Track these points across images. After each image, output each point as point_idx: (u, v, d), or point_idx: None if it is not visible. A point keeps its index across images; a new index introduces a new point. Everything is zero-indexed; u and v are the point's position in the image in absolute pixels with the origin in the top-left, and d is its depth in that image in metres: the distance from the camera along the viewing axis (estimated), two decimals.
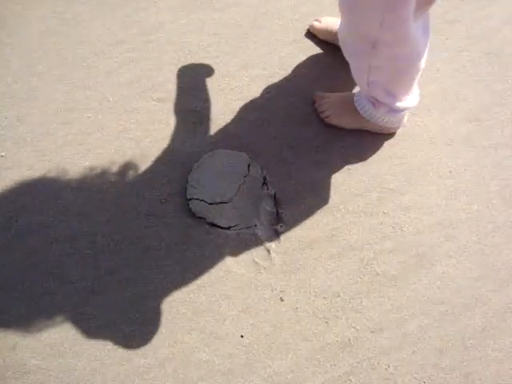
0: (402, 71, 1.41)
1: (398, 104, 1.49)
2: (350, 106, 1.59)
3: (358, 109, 1.57)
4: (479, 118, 1.67)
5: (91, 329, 1.36)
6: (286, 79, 1.73)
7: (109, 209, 1.50)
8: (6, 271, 1.43)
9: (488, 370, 1.35)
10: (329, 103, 1.63)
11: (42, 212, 1.50)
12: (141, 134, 1.61)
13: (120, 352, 1.34)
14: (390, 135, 1.63)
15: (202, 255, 1.44)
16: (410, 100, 1.52)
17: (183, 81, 1.71)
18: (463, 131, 1.65)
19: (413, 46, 1.31)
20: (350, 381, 1.32)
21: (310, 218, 1.50)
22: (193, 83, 1.71)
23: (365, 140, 1.62)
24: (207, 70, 1.74)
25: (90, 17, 1.82)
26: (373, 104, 1.52)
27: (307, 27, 1.80)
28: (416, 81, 1.47)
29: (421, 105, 1.64)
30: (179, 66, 1.73)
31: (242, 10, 1.86)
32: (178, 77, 1.71)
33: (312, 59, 1.76)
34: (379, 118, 1.55)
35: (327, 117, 1.63)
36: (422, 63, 1.39)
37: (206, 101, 1.68)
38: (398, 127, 1.62)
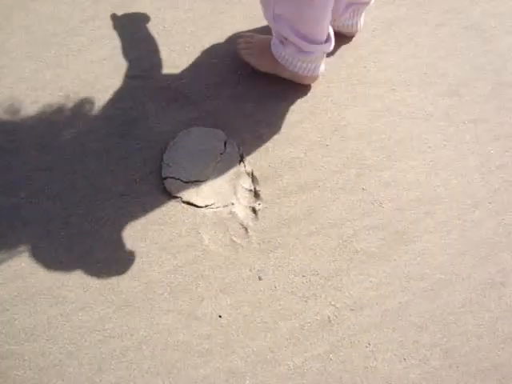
0: (304, 6, 1.38)
1: (307, 44, 1.47)
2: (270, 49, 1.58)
3: (272, 49, 1.56)
4: (459, 93, 1.65)
5: (66, 312, 1.33)
6: None
7: (82, 189, 1.47)
8: None
9: (468, 345, 1.34)
10: (252, 42, 1.62)
11: (14, 194, 1.46)
12: (114, 113, 1.57)
13: (96, 335, 1.31)
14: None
15: (178, 235, 1.41)
16: (321, 43, 1.50)
17: (157, 57, 1.67)
18: (442, 106, 1.63)
19: None
20: (331, 359, 1.31)
21: (288, 196, 1.48)
22: (166, 60, 1.67)
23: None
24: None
25: None
26: (281, 42, 1.51)
27: None
28: (326, 23, 1.44)
29: (399, 79, 1.62)
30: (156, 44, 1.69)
31: None
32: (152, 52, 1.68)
33: None
34: (288, 61, 1.53)
35: (248, 54, 1.62)
36: (327, 5, 1.38)
37: (180, 77, 1.64)
38: (313, 76, 1.59)
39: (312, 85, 1.63)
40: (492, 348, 1.34)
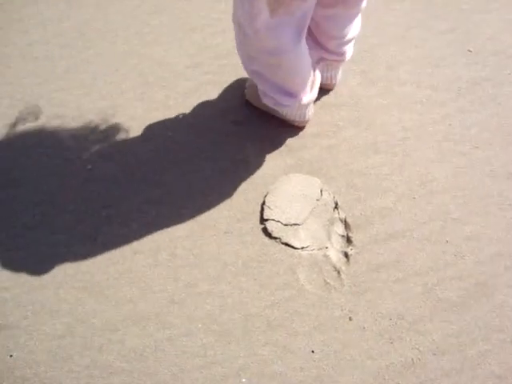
0: (274, 66, 1.48)
1: (282, 97, 1.59)
2: None
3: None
4: None
5: (171, 337, 1.46)
6: (356, 108, 1.83)
7: (188, 224, 1.60)
8: (93, 278, 1.53)
9: None
10: (254, 86, 1.75)
11: (126, 224, 1.61)
12: (219, 155, 1.72)
13: (198, 360, 1.43)
14: None
15: (276, 273, 1.53)
16: (296, 97, 1.61)
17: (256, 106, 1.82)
18: None
19: (274, 42, 1.39)
20: None
21: (378, 243, 1.58)
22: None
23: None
24: None
25: (169, 39, 1.94)
26: (263, 93, 1.64)
27: (375, 59, 1.90)
28: (300, 78, 1.55)
29: (483, 138, 1.72)
30: None
31: None
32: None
33: (380, 91, 1.86)
34: (272, 109, 1.70)
35: (249, 95, 1.80)
36: (297, 68, 1.50)
37: (278, 126, 1.78)
38: (302, 121, 1.73)
39: (404, 137, 1.76)
40: None
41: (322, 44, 1.69)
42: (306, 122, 1.75)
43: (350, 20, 1.61)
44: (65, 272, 1.54)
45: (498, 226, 1.62)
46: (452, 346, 1.46)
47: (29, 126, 1.81)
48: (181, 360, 1.43)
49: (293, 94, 1.60)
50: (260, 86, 1.60)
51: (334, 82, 1.82)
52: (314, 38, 1.70)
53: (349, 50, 1.73)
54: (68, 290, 1.52)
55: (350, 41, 1.69)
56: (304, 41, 1.47)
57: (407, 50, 1.98)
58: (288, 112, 1.68)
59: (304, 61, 1.52)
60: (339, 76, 1.83)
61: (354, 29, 1.67)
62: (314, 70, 1.64)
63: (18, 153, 1.76)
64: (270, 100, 1.63)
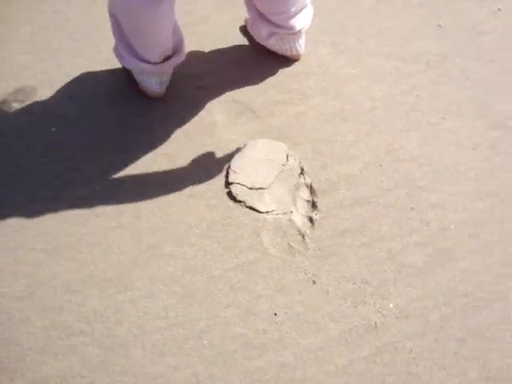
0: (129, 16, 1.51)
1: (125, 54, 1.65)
2: None
3: None
4: (505, 126, 1.76)
5: (133, 298, 1.44)
6: (324, 77, 1.83)
7: (154, 187, 1.59)
8: (54, 239, 1.51)
9: (505, 361, 1.42)
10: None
11: (89, 186, 1.59)
12: (185, 119, 1.71)
13: (160, 322, 1.41)
14: None
15: (240, 236, 1.52)
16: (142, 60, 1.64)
17: (224, 73, 1.80)
18: (490, 137, 1.73)
19: None
20: (375, 362, 1.40)
21: (343, 209, 1.58)
22: (234, 76, 1.81)
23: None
24: None
25: None
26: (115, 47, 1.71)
27: (345, 30, 1.91)
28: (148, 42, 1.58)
29: (450, 109, 1.73)
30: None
31: None
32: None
33: (350, 61, 1.87)
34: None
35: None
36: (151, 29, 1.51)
37: (248, 92, 1.78)
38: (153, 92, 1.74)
39: (372, 107, 1.78)
40: None
41: (268, 19, 1.70)
42: (157, 94, 1.75)
43: None
44: (25, 234, 1.51)
45: (463, 195, 1.63)
46: (415, 310, 1.46)
47: None
48: (142, 321, 1.41)
49: (137, 55, 1.61)
50: (114, 35, 1.62)
51: (295, 52, 1.81)
52: (259, 13, 1.71)
53: (299, 22, 1.71)
54: (28, 251, 1.49)
55: (296, 14, 1.68)
56: (166, 4, 1.45)
57: (378, 22, 1.98)
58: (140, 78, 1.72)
59: (158, 25, 1.51)
60: (302, 46, 1.82)
61: (298, 1, 1.66)
62: None
63: None
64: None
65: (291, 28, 1.70)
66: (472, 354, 1.42)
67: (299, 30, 1.73)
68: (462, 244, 1.56)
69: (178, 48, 1.66)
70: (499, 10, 2.02)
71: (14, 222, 1.53)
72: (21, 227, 1.52)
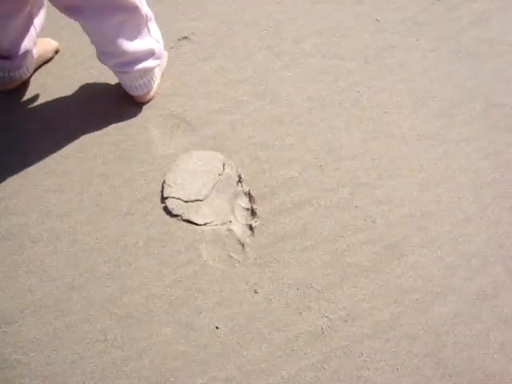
0: None
1: None
2: None
3: None
4: (450, 114, 1.72)
5: (71, 323, 1.40)
6: (260, 83, 1.79)
7: (89, 209, 1.55)
8: None
9: (460, 355, 1.37)
10: None
11: (25, 213, 1.56)
12: (120, 138, 1.67)
13: (98, 345, 1.37)
14: None
15: (178, 251, 1.48)
16: None
17: (160, 86, 1.77)
18: (434, 127, 1.70)
19: None
20: (324, 369, 1.35)
21: (284, 213, 1.54)
22: (169, 88, 1.78)
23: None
24: None
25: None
26: None
27: (281, 33, 1.88)
28: None
29: (392, 102, 1.70)
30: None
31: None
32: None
33: (286, 64, 1.84)
34: None
35: None
36: None
37: (183, 105, 1.74)
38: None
39: (310, 107, 1.74)
40: (484, 358, 1.37)
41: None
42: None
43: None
44: None
45: (408, 188, 1.59)
46: (363, 311, 1.42)
47: None
48: (80, 346, 1.37)
49: None
50: None
51: (131, 92, 1.72)
52: None
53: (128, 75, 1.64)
54: None
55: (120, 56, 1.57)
56: None
57: (314, 23, 1.95)
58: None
59: None
60: (141, 87, 1.70)
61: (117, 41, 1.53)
62: None
63: None
64: None
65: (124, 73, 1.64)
66: (426, 351, 1.37)
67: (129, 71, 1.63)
68: (410, 238, 1.51)
69: (14, 54, 1.64)
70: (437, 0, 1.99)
71: None
72: None
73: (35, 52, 1.74)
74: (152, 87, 1.70)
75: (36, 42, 1.68)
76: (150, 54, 1.60)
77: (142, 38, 1.55)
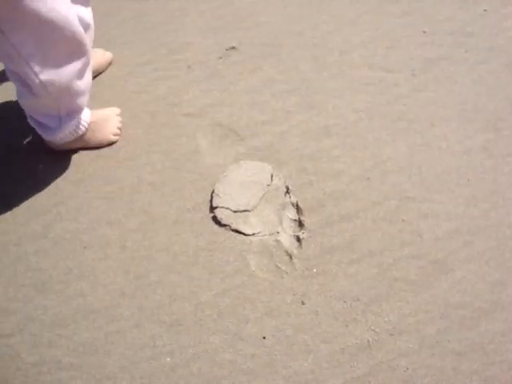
0: None
1: None
2: None
3: None
4: (497, 128, 1.71)
5: (121, 329, 1.43)
6: (307, 94, 1.80)
7: (139, 217, 1.59)
8: (43, 274, 1.52)
9: (508, 374, 1.36)
10: None
11: (76, 220, 1.60)
12: (169, 148, 1.71)
13: (148, 351, 1.40)
14: None
15: (226, 261, 1.51)
16: None
17: (208, 96, 1.80)
18: (481, 140, 1.69)
19: None
20: (369, 382, 1.35)
21: (331, 225, 1.55)
22: (218, 98, 1.80)
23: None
24: None
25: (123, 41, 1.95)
26: None
27: (327, 45, 1.89)
28: None
29: (438, 115, 1.69)
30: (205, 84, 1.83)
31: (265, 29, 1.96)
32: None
33: (333, 75, 1.85)
34: None
35: None
36: None
37: (231, 115, 1.77)
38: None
39: (356, 119, 1.75)
40: None
41: None
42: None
43: None
44: (15, 270, 1.53)
45: (455, 202, 1.58)
46: (409, 325, 1.41)
47: None
48: (130, 352, 1.40)
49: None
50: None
51: None
52: None
53: None
54: (18, 287, 1.50)
55: None
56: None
57: (360, 34, 1.97)
58: None
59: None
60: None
61: None
62: None
63: None
64: None
65: None
66: (472, 368, 1.36)
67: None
68: (457, 253, 1.51)
69: None
70: (485, 10, 1.98)
71: (4, 259, 1.55)
72: (11, 263, 1.54)
73: None
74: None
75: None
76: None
77: None
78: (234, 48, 1.93)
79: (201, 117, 1.77)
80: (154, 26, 2.05)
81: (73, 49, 1.41)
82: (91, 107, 1.74)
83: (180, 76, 1.88)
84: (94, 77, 1.88)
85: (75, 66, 1.46)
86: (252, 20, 2.03)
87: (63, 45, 1.37)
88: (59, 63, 1.40)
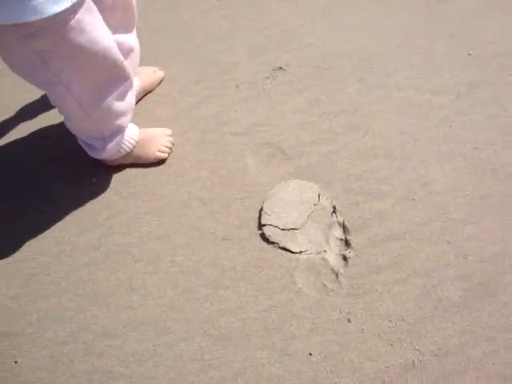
0: None
1: None
2: None
3: None
4: None
5: (169, 342, 1.47)
6: (354, 115, 1.84)
7: (188, 232, 1.63)
8: (95, 285, 1.57)
9: None
10: None
11: (127, 233, 1.65)
12: (218, 165, 1.75)
13: (196, 364, 1.43)
14: None
15: (274, 277, 1.54)
16: None
17: (256, 115, 1.84)
18: None
19: None
20: None
21: (377, 245, 1.58)
22: (265, 118, 1.85)
23: None
24: None
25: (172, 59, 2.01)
26: None
27: (374, 67, 1.93)
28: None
29: (483, 138, 1.72)
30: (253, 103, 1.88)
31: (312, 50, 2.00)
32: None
33: (379, 97, 1.88)
34: None
35: None
36: None
37: (279, 134, 1.81)
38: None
39: (403, 141, 1.78)
40: None
41: None
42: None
43: None
44: (68, 281, 1.58)
45: (500, 226, 1.60)
46: (454, 346, 1.43)
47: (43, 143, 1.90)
48: (178, 364, 1.44)
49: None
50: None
51: None
52: None
53: None
54: (71, 297, 1.55)
55: None
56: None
57: (406, 57, 2.00)
58: None
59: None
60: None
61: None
62: None
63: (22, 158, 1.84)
64: None
65: None
66: None
67: None
68: (502, 276, 1.52)
69: None
70: None
71: (59, 270, 1.60)
72: (65, 274, 1.59)
73: (139, 86, 1.85)
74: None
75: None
76: None
77: None
78: (281, 68, 1.98)
79: (248, 135, 1.81)
80: (202, 45, 2.11)
81: (113, 75, 1.47)
82: (141, 124, 1.80)
83: (228, 95, 1.93)
84: (145, 94, 1.95)
85: (116, 90, 1.51)
86: (299, 41, 2.07)
87: (104, 72, 1.43)
88: (99, 89, 1.46)
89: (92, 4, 1.25)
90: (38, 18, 1.10)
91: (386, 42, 2.06)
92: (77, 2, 1.15)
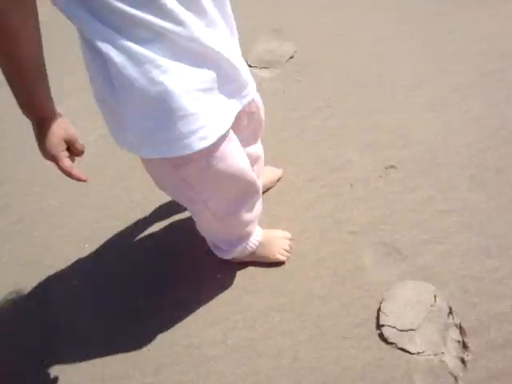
0: None
1: None
2: None
3: None
4: None
5: None
6: (465, 213, 1.90)
7: (310, 330, 1.73)
8: (222, 377, 1.69)
9: None
10: None
11: (253, 329, 1.77)
12: (336, 263, 1.86)
13: None
14: None
15: (392, 377, 1.59)
16: None
17: (371, 214, 1.94)
18: None
19: None
20: None
21: (496, 349, 1.59)
22: (380, 217, 1.94)
23: None
24: None
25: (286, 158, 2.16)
26: None
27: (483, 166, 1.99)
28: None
29: None
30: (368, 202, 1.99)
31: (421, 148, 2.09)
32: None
33: (491, 195, 1.93)
34: None
35: None
36: None
37: (394, 233, 1.89)
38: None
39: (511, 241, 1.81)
40: None
41: None
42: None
43: None
44: (197, 372, 1.71)
45: None
46: None
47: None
48: None
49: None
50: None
51: None
52: None
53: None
54: None
55: None
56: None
57: None
58: None
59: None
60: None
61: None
62: None
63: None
64: None
65: None
66: None
67: None
68: None
69: None
70: None
71: (188, 360, 1.74)
72: (193, 365, 1.72)
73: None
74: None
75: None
76: None
77: None
78: (392, 167, 2.08)
79: (364, 234, 1.91)
80: (314, 143, 2.25)
81: (246, 190, 1.61)
82: (262, 222, 1.94)
83: (343, 194, 2.05)
84: (264, 192, 2.09)
85: (246, 203, 1.65)
86: (408, 139, 2.17)
87: (237, 189, 1.57)
88: (233, 203, 1.60)
89: (232, 132, 1.41)
90: (188, 152, 1.27)
91: (494, 137, 2.11)
92: (221, 136, 1.31)
